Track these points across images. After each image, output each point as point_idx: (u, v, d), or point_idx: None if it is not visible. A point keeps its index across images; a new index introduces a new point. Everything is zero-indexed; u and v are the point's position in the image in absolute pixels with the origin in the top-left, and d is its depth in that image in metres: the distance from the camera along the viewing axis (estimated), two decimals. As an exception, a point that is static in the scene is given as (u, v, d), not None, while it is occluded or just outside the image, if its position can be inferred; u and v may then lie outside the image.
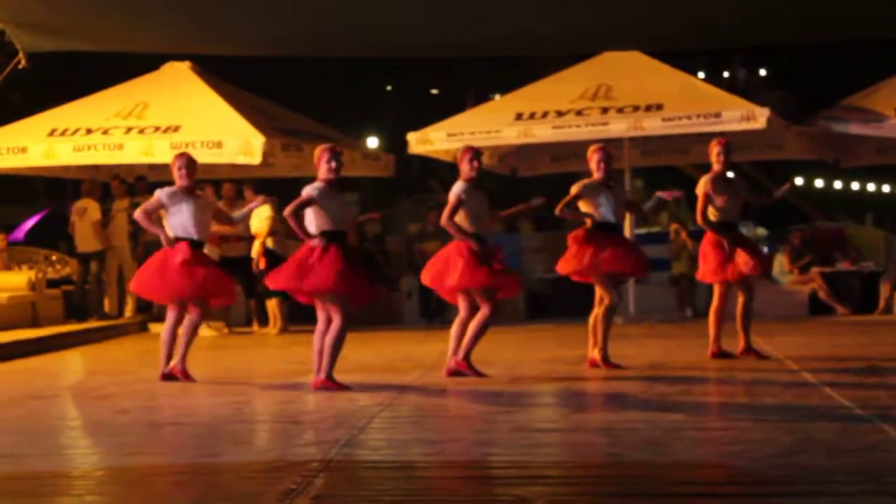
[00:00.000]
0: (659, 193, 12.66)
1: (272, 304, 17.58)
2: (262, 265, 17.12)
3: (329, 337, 10.73)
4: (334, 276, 10.59)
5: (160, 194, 11.81)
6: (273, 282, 11.03)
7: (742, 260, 12.36)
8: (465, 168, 11.52)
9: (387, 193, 32.75)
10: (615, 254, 11.95)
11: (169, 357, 11.79)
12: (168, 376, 11.75)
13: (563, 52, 21.53)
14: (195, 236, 11.71)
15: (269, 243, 17.20)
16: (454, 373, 11.51)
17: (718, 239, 12.40)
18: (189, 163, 11.81)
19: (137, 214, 12.00)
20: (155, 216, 11.81)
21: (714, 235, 12.44)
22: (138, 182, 19.28)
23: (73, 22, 18.93)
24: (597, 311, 12.07)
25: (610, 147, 12.52)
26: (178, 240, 11.67)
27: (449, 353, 11.59)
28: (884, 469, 6.80)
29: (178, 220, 11.69)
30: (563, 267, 12.19)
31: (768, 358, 12.51)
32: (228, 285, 12.15)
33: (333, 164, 10.83)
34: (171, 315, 11.81)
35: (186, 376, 11.73)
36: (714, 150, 12.53)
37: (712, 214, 12.43)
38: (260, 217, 17.12)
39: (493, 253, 11.46)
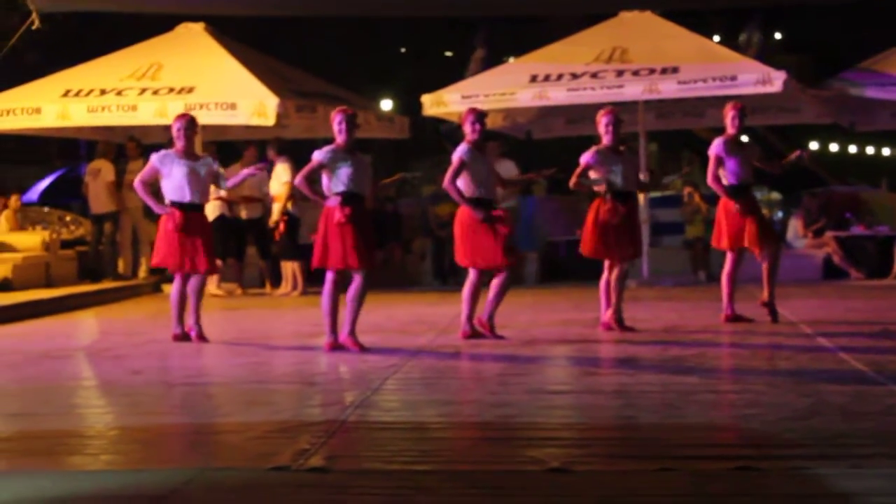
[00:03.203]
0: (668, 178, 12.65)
1: (293, 267, 17.51)
2: (282, 229, 17.12)
3: (350, 295, 10.77)
4: (352, 254, 10.63)
5: (153, 159, 11.76)
6: (312, 263, 10.98)
7: (750, 238, 12.26)
8: (467, 130, 11.44)
9: (401, 156, 32.67)
10: (619, 240, 11.92)
11: (180, 318, 11.81)
12: (181, 336, 11.78)
13: (579, 12, 21.43)
14: (188, 199, 11.63)
15: (290, 206, 17.16)
16: (471, 335, 11.50)
17: (733, 205, 12.30)
18: (188, 125, 11.74)
19: (135, 183, 11.94)
20: (152, 182, 11.77)
21: (728, 201, 12.35)
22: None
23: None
24: (607, 276, 12.05)
25: (624, 110, 12.41)
26: (172, 204, 11.66)
27: (462, 318, 11.56)
28: (898, 432, 6.80)
29: (171, 184, 11.65)
30: (585, 248, 12.13)
31: (778, 322, 12.48)
32: (204, 258, 11.66)
33: (344, 127, 10.80)
34: (177, 276, 11.82)
35: (200, 337, 11.75)
36: (729, 114, 12.43)
37: (724, 177, 12.36)
38: (279, 181, 17.11)
39: (500, 217, 11.34)
